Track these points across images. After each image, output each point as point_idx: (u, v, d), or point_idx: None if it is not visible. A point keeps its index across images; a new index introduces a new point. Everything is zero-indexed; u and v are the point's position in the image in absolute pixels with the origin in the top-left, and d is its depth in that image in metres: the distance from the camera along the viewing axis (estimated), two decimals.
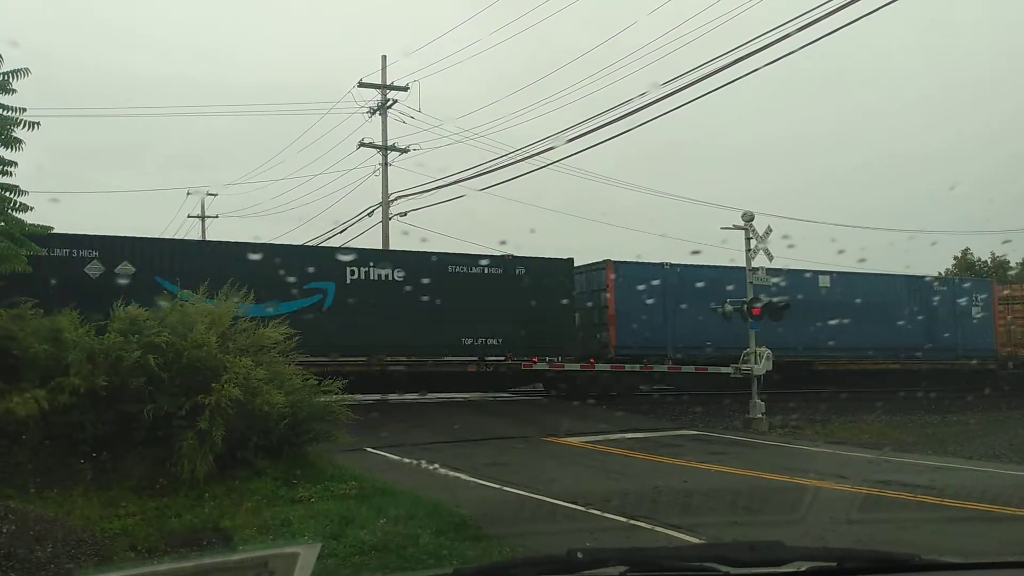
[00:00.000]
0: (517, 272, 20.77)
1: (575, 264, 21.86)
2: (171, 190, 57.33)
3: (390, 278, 19.62)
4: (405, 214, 28.02)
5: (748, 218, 19.55)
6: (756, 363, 19.19)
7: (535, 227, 57.58)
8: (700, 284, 21.70)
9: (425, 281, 19.45)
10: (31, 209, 10.86)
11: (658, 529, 7.69)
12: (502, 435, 16.01)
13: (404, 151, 28.13)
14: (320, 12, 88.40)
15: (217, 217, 43.75)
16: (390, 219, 27.82)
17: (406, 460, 12.28)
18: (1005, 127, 70.62)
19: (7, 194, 10.14)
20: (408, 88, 27.73)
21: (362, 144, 28.13)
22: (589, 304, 22.56)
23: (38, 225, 10.90)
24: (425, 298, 19.25)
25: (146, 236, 18.90)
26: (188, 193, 42.35)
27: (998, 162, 66.02)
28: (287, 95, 78.46)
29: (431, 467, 11.59)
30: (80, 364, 9.46)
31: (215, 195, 42.61)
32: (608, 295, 22.01)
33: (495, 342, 20.39)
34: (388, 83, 27.87)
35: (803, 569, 2.51)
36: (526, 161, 22.77)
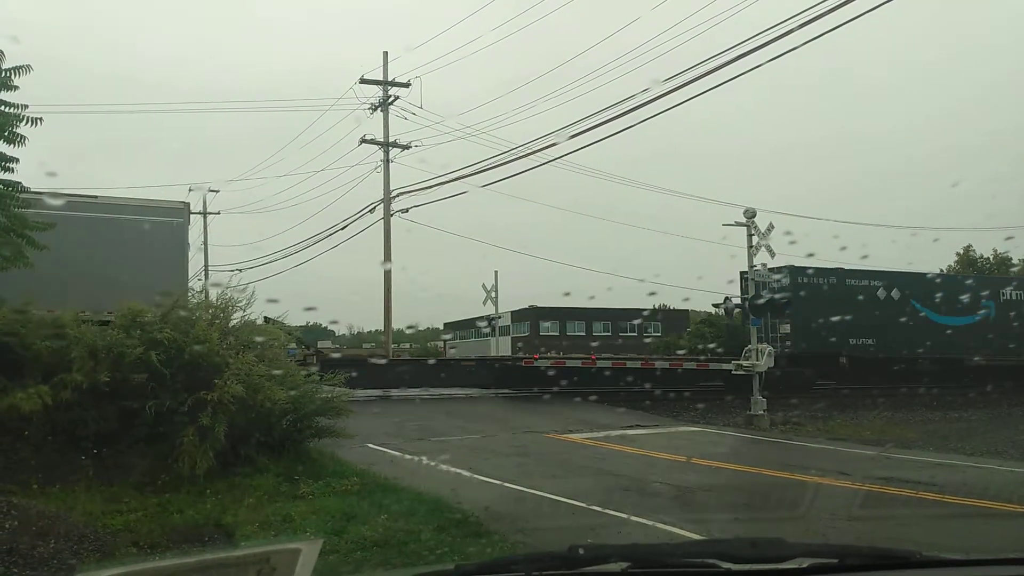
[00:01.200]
0: None
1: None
2: (174, 186, 57.44)
3: (1021, 298, 28.28)
4: (407, 210, 28.02)
5: (750, 215, 19.51)
6: (758, 359, 19.22)
7: (536, 225, 57.57)
8: None
9: None
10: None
11: (659, 525, 7.67)
12: (504, 431, 16.04)
13: (406, 147, 28.09)
14: (321, 11, 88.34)
15: (219, 213, 43.91)
16: (392, 215, 27.80)
17: (407, 456, 12.28)
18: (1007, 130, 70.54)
19: (10, 190, 10.15)
20: (410, 84, 27.71)
21: (364, 140, 28.10)
22: None
23: (39, 223, 10.92)
24: None
25: (910, 271, 26.74)
26: (190, 189, 42.63)
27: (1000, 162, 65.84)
28: (289, 92, 78.38)
29: (432, 463, 11.59)
30: (83, 360, 9.45)
31: (217, 191, 42.80)
32: None
33: None
34: (390, 79, 27.82)
35: (804, 565, 2.51)
36: (528, 157, 22.76)
